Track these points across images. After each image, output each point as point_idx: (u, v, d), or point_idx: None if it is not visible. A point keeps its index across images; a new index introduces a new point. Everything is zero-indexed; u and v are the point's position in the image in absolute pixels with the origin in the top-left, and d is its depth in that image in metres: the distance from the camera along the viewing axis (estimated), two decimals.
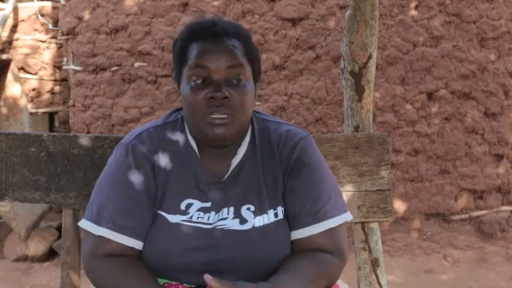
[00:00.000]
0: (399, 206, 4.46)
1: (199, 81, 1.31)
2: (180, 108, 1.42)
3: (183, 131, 1.39)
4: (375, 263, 1.80)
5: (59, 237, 4.54)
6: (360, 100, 2.00)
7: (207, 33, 1.32)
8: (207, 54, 1.30)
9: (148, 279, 1.27)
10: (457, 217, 4.55)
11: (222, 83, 1.29)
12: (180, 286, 1.31)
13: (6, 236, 4.75)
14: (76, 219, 1.65)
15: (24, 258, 4.51)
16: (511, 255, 4.28)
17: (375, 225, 1.80)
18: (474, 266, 4.12)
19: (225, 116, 1.29)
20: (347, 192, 1.71)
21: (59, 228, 4.53)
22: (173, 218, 1.32)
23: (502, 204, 4.66)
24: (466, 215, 4.56)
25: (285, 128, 1.42)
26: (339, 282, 1.42)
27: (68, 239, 1.66)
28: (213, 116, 1.29)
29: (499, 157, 4.65)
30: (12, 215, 4.36)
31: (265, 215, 1.34)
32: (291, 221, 1.35)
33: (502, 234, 4.57)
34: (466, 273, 4.02)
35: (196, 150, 1.37)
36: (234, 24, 1.38)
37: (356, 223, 1.77)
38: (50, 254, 4.58)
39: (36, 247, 4.53)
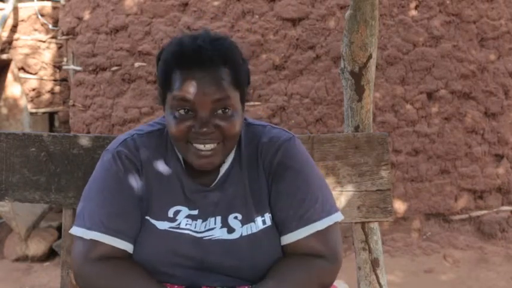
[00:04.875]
0: (399, 206, 4.46)
1: (183, 112, 1.25)
2: None
3: (169, 139, 1.37)
4: (375, 263, 1.80)
5: (59, 237, 4.55)
6: (360, 100, 2.00)
7: (192, 61, 1.23)
8: (191, 86, 1.23)
9: (146, 279, 1.27)
10: (457, 217, 4.55)
11: (208, 117, 1.24)
12: (176, 286, 1.31)
13: (6, 236, 4.75)
14: None
15: (24, 258, 4.52)
16: (511, 255, 4.28)
17: (375, 225, 1.80)
18: (474, 266, 4.12)
19: (211, 146, 1.26)
20: (347, 192, 1.71)
21: (59, 228, 4.53)
22: (161, 225, 1.32)
23: (502, 204, 4.66)
24: (466, 215, 4.56)
25: (269, 131, 1.39)
26: (339, 282, 1.42)
27: (68, 239, 1.65)
28: (197, 146, 1.26)
29: (499, 157, 4.65)
30: (12, 215, 4.36)
31: (252, 223, 1.32)
32: (279, 226, 1.33)
33: (502, 234, 4.57)
34: (466, 273, 4.02)
35: (181, 159, 1.36)
36: (221, 46, 1.26)
37: (356, 223, 1.77)
38: (50, 254, 4.58)
39: (36, 247, 4.53)
